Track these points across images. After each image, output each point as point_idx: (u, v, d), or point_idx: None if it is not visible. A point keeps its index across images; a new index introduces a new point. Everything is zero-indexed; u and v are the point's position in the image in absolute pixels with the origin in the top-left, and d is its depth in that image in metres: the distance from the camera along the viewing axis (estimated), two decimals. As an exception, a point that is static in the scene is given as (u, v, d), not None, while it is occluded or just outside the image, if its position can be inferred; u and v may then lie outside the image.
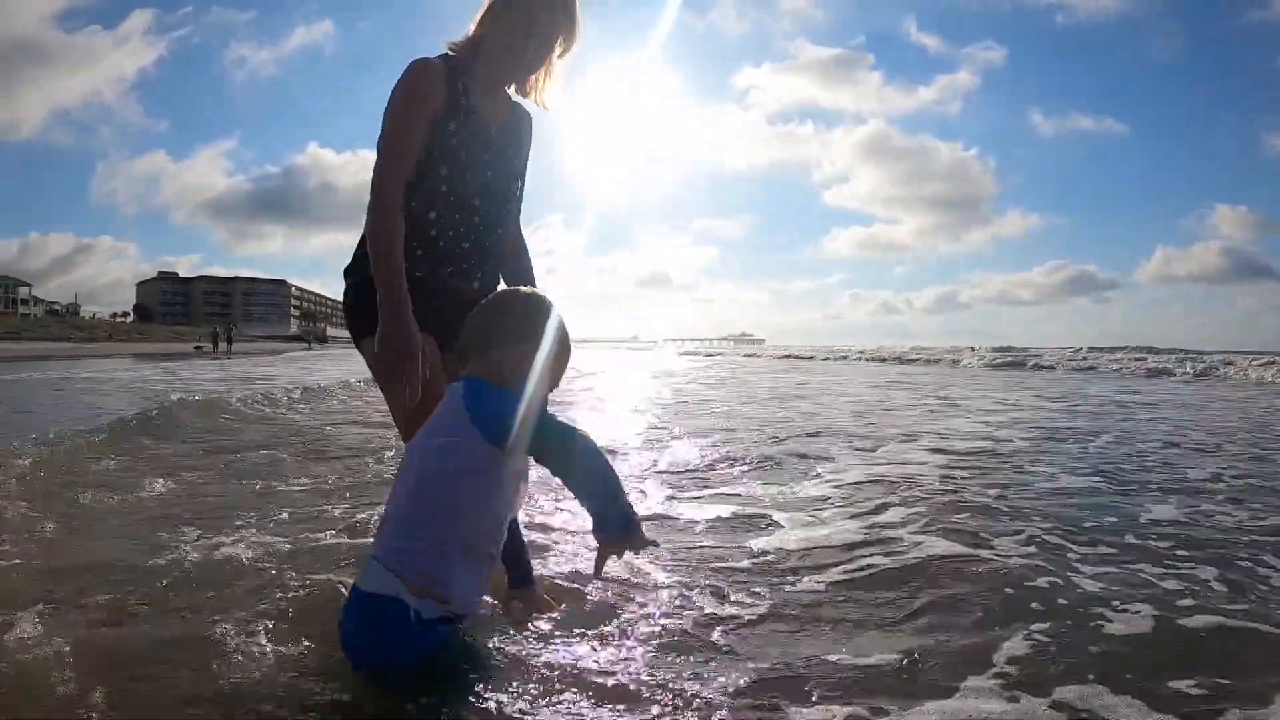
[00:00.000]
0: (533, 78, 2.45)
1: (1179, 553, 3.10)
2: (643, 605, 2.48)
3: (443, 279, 2.37)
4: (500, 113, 2.45)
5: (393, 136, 2.24)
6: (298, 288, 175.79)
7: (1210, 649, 2.18)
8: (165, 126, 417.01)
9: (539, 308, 1.99)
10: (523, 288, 2.18)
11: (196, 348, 55.31)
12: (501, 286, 2.51)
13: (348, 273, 2.41)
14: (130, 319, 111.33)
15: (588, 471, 1.80)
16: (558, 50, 2.39)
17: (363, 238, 2.33)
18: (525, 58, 2.36)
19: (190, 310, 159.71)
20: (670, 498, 4.21)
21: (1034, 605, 2.50)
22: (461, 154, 2.32)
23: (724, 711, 1.79)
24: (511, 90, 2.48)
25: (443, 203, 2.33)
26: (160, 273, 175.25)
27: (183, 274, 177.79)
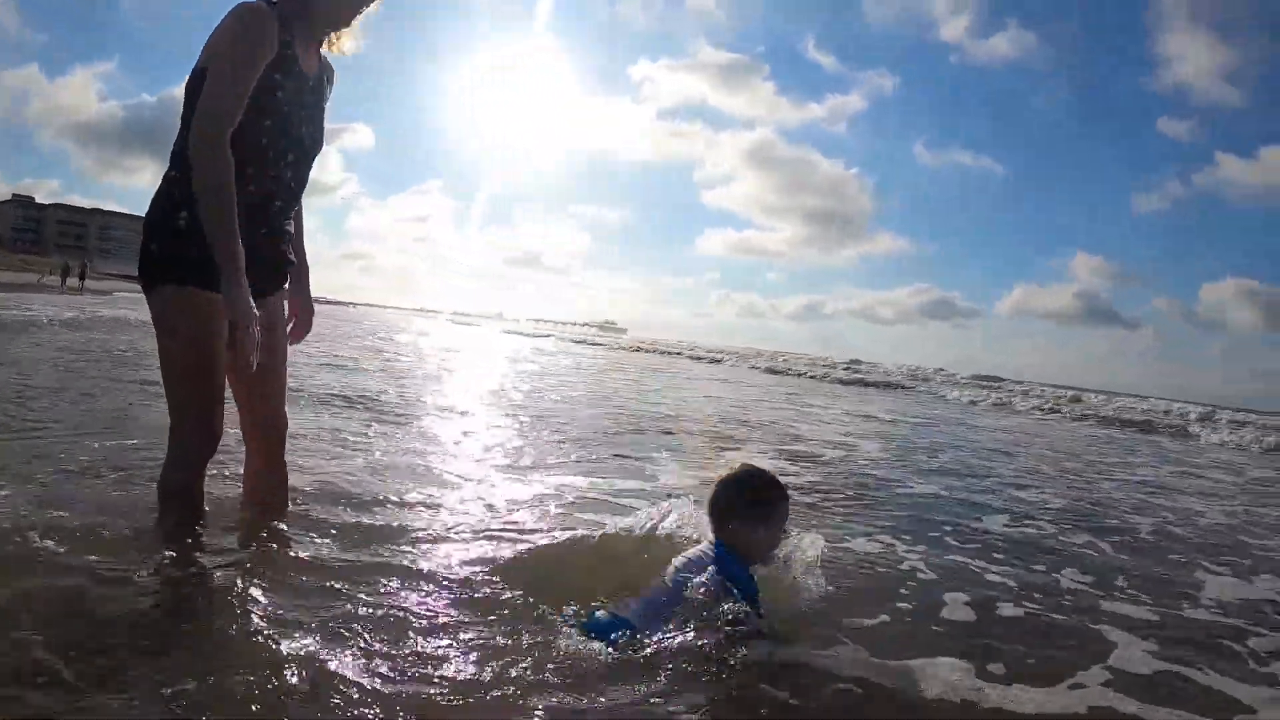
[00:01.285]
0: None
1: (998, 555, 3.65)
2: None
3: (257, 241, 2.29)
4: (313, 66, 2.41)
5: (233, 80, 2.14)
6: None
7: (1020, 632, 2.65)
8: (43, 40, 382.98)
9: (776, 492, 2.44)
10: (763, 471, 2.53)
11: (40, 280, 51.31)
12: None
13: (159, 223, 2.28)
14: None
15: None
16: (374, 4, 2.39)
17: (165, 185, 2.28)
18: (356, 11, 2.37)
19: (42, 239, 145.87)
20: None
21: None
22: (285, 108, 2.27)
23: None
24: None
25: (261, 158, 2.28)
26: (15, 195, 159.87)
27: (40, 199, 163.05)
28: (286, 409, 2.69)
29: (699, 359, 34.14)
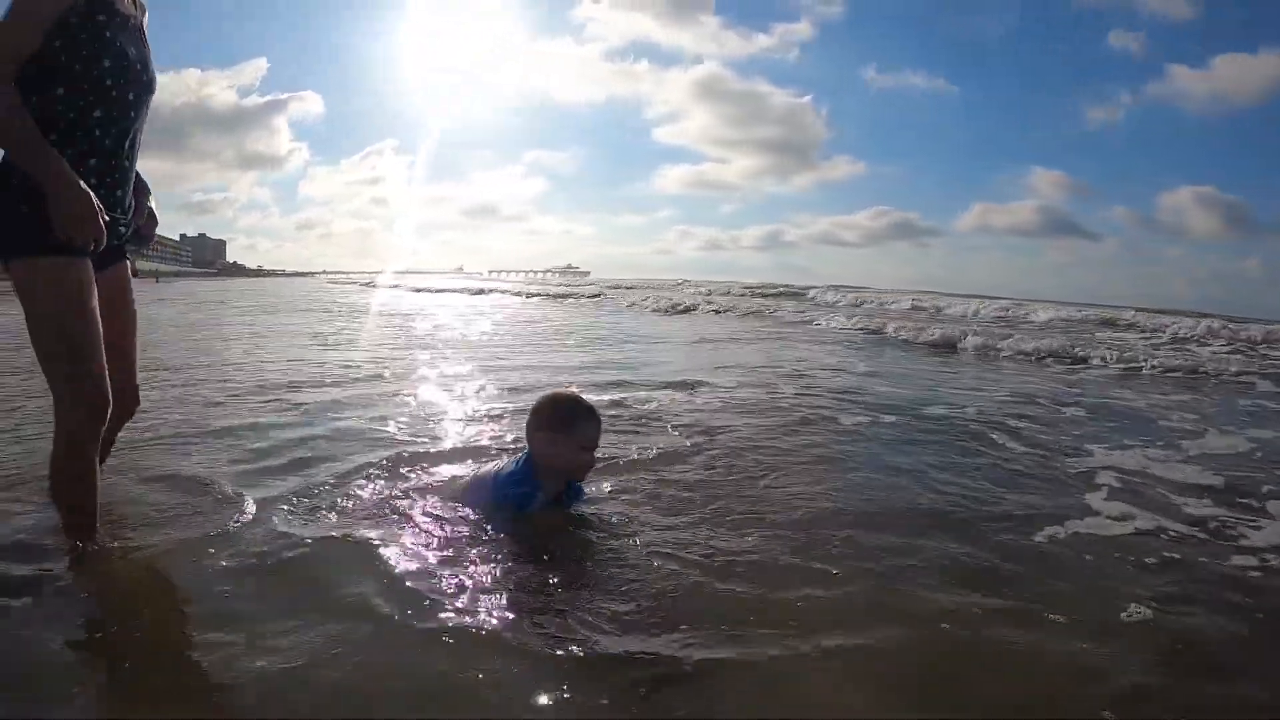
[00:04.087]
0: None
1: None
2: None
3: (111, 215, 2.29)
4: (128, 4, 2.36)
5: (19, 10, 2.10)
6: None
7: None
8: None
9: (579, 410, 2.69)
10: (563, 392, 2.76)
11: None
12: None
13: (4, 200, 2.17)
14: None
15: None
16: None
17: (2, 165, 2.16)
18: None
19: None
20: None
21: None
22: (117, 44, 2.25)
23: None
24: None
25: (106, 98, 2.25)
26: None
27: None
28: (137, 376, 2.64)
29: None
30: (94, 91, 2.21)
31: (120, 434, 2.75)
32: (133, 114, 2.33)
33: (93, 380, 2.25)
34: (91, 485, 2.33)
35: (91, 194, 2.10)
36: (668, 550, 2.47)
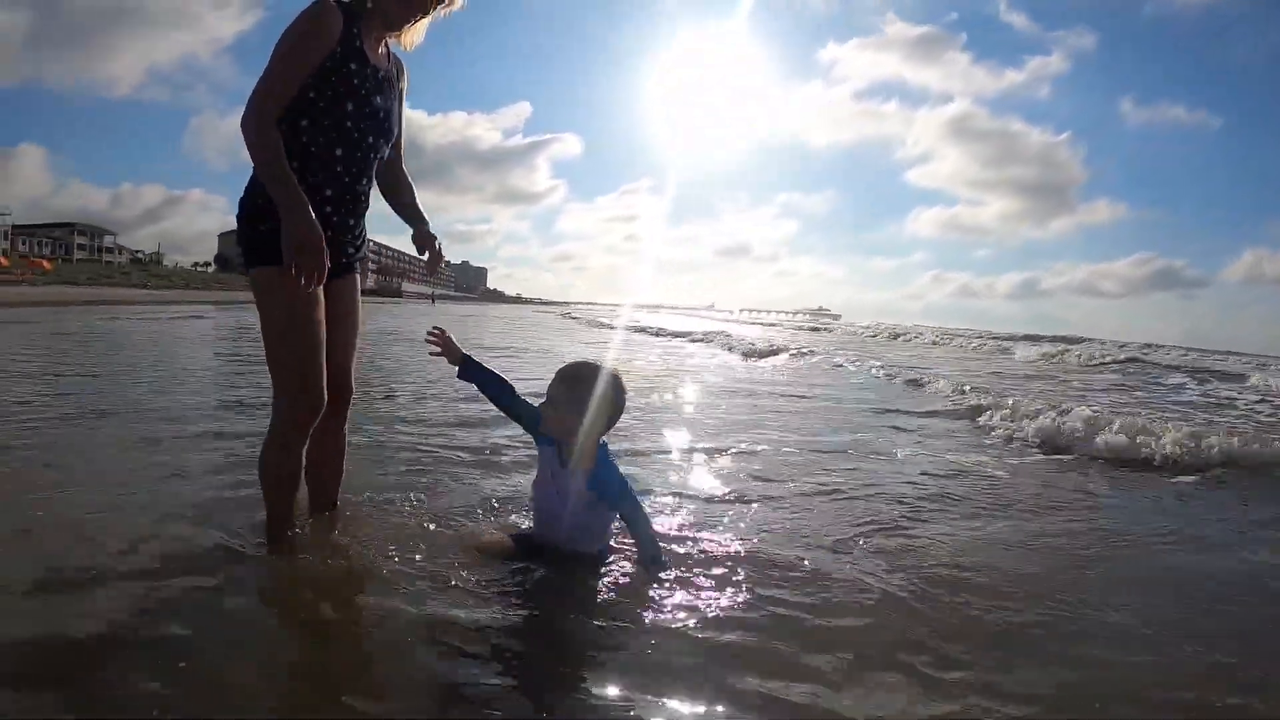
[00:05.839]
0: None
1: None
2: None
3: (343, 233, 2.57)
4: (382, 60, 2.59)
5: (289, 59, 2.34)
6: (375, 243, 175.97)
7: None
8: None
9: (571, 374, 2.65)
10: (583, 364, 2.66)
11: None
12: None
13: (252, 216, 2.44)
14: (211, 268, 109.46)
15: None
16: (442, 8, 2.58)
17: (251, 186, 2.44)
18: (407, 21, 2.57)
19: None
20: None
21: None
22: (362, 91, 2.48)
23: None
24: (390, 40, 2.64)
25: (347, 138, 2.47)
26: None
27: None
28: (353, 381, 2.82)
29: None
30: (336, 129, 2.45)
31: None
32: (371, 155, 2.57)
33: (310, 382, 2.50)
34: (292, 486, 2.63)
35: (319, 229, 2.28)
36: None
